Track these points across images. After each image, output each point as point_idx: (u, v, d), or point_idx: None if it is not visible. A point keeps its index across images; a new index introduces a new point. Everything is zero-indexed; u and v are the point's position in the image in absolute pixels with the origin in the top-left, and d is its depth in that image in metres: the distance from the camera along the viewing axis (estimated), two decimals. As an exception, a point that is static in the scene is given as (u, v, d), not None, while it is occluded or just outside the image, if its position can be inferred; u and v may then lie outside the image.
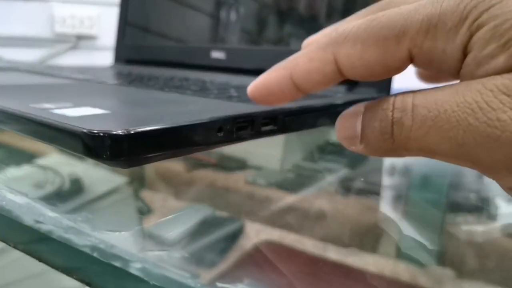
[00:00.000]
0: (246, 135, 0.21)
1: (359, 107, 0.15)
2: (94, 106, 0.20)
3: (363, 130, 0.15)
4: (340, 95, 0.34)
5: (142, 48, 0.56)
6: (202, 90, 0.31)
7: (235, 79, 0.43)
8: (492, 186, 0.27)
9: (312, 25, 0.42)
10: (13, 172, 0.44)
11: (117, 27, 0.59)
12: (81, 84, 0.33)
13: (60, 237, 0.15)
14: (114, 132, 0.15)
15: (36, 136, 0.18)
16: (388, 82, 0.38)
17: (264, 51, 0.45)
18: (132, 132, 0.15)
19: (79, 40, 1.38)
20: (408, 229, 0.23)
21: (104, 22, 1.38)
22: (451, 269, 0.21)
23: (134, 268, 0.13)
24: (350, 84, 0.39)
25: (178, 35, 0.53)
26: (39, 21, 1.33)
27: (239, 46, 0.47)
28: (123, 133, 0.15)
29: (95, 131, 0.15)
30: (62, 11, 1.34)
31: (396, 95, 0.14)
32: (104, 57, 1.39)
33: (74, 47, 1.38)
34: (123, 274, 0.14)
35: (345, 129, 0.15)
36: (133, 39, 0.58)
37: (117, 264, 0.14)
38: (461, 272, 0.18)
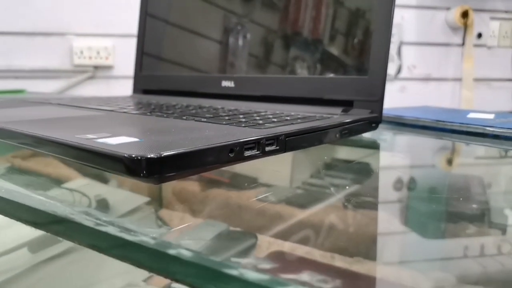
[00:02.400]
0: (253, 154, 0.25)
1: None
2: (127, 135, 0.24)
3: None
4: (336, 117, 0.38)
5: (158, 78, 0.61)
6: (215, 117, 0.35)
7: (243, 105, 0.48)
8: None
9: (314, 54, 0.47)
10: (44, 194, 0.48)
11: (135, 60, 0.65)
12: (109, 115, 0.37)
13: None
14: (149, 156, 0.19)
15: (84, 161, 0.22)
16: (380, 104, 0.42)
17: (269, 80, 0.49)
18: (162, 155, 0.19)
19: (96, 70, 1.45)
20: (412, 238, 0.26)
21: (119, 53, 1.46)
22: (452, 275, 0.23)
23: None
24: (346, 105, 0.43)
25: (191, 66, 0.58)
26: (59, 54, 1.41)
27: (246, 75, 0.52)
28: (155, 156, 0.19)
29: (134, 156, 0.19)
30: (80, 43, 1.42)
31: None
32: (120, 85, 1.46)
33: (92, 77, 1.45)
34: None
35: None
36: (150, 70, 0.63)
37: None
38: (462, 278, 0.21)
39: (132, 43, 1.39)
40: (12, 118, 0.34)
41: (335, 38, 0.46)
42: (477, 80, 1.94)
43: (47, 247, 0.50)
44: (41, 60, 1.40)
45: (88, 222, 0.19)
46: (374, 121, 0.41)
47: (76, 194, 0.36)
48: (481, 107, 1.96)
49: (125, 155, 0.19)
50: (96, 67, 1.44)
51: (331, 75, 0.45)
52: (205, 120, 0.33)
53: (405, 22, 1.81)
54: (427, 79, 1.88)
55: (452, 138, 0.45)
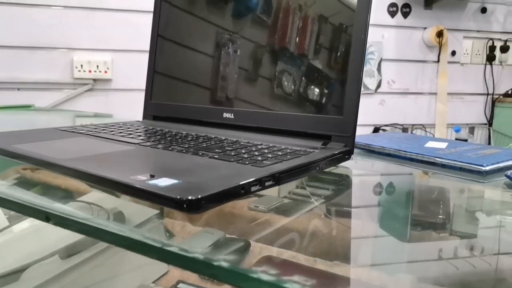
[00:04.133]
0: (257, 189, 0.35)
1: None
2: (167, 175, 0.34)
3: None
4: (317, 151, 0.48)
5: (166, 107, 0.71)
6: (223, 152, 0.45)
7: (242, 136, 0.58)
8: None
9: (300, 96, 0.57)
10: (63, 207, 0.57)
11: (145, 89, 0.74)
12: (138, 150, 0.47)
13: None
14: (190, 198, 0.29)
15: (141, 198, 0.32)
16: (352, 139, 0.53)
17: (262, 114, 0.60)
18: (199, 197, 0.29)
19: (95, 83, 1.53)
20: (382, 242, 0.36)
21: (117, 66, 1.55)
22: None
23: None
24: (325, 138, 0.54)
25: (196, 97, 0.68)
26: (60, 67, 1.49)
27: (244, 109, 0.62)
28: (195, 198, 0.29)
29: (184, 199, 0.29)
30: (80, 57, 1.50)
31: None
32: (118, 97, 1.55)
33: (91, 89, 1.54)
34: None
35: None
36: (159, 99, 0.73)
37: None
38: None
39: (130, 58, 1.48)
40: (64, 154, 0.44)
41: (316, 84, 0.56)
42: (451, 94, 2.09)
43: (75, 254, 0.59)
44: (43, 73, 1.48)
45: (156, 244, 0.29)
46: (348, 153, 0.52)
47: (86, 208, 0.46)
48: (455, 120, 2.10)
49: (175, 197, 0.29)
50: (95, 80, 1.52)
51: (313, 113, 0.56)
52: (217, 157, 0.43)
53: (385, 41, 1.93)
54: (405, 93, 2.01)
55: (410, 165, 0.57)
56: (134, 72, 1.56)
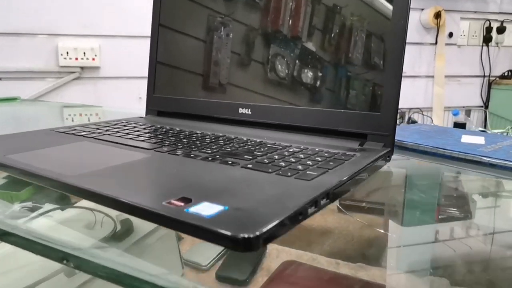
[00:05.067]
0: (313, 212, 0.30)
1: None
2: (206, 198, 0.28)
3: None
4: (359, 155, 0.43)
5: (172, 101, 0.64)
6: (256, 160, 0.39)
7: (262, 134, 0.52)
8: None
9: (331, 88, 0.51)
10: (65, 214, 0.51)
11: (148, 81, 0.67)
12: (156, 158, 0.41)
13: None
14: (251, 236, 0.23)
15: (179, 230, 0.26)
16: (392, 138, 0.47)
17: (286, 110, 0.54)
18: (258, 234, 0.23)
19: (83, 71, 1.44)
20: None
21: (106, 53, 1.45)
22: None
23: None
24: (359, 137, 0.48)
25: (207, 90, 0.62)
26: (44, 55, 1.39)
27: (263, 104, 0.56)
28: (254, 236, 0.23)
29: (241, 237, 0.23)
30: (66, 44, 1.40)
31: None
32: (107, 86, 1.46)
33: (79, 78, 1.44)
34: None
35: None
36: (163, 92, 0.66)
37: None
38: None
39: (119, 44, 1.40)
40: (71, 168, 0.37)
41: (351, 75, 0.50)
42: (447, 76, 2.05)
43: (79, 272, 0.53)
44: (26, 61, 1.38)
45: None
46: (389, 155, 0.46)
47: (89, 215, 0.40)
48: (451, 103, 2.07)
49: (231, 235, 0.23)
50: (83, 68, 1.43)
51: (346, 109, 0.50)
52: (251, 166, 0.37)
53: (383, 22, 1.87)
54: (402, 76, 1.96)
55: (452, 164, 0.51)
56: (124, 59, 1.47)
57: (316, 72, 0.52)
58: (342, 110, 0.50)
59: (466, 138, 0.57)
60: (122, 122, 0.61)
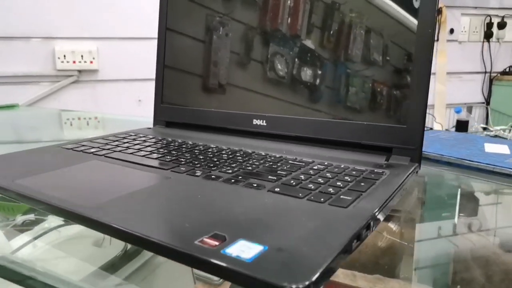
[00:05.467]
0: (356, 246, 0.27)
1: None
2: (239, 232, 0.26)
3: None
4: (388, 172, 0.40)
5: (182, 111, 0.62)
6: (281, 182, 0.37)
7: (280, 148, 0.49)
8: None
9: (353, 100, 0.49)
10: (73, 229, 0.48)
11: (155, 90, 0.64)
12: (175, 181, 0.38)
13: None
14: (301, 287, 0.21)
15: (215, 274, 0.24)
16: (419, 152, 0.45)
17: (304, 121, 0.51)
18: (307, 284, 0.21)
19: (81, 74, 1.41)
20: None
21: (104, 56, 1.42)
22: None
23: None
24: (383, 150, 0.46)
25: (218, 101, 0.59)
26: (41, 59, 1.36)
27: (279, 115, 0.53)
28: (304, 286, 0.21)
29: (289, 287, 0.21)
30: (63, 47, 1.37)
31: None
32: (106, 89, 1.43)
33: (77, 81, 1.41)
34: None
35: None
36: (172, 102, 0.63)
37: None
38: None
39: (118, 46, 1.36)
40: (87, 196, 0.35)
41: (376, 86, 0.48)
42: (449, 73, 2.03)
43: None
44: (22, 65, 1.35)
45: None
46: (417, 170, 0.44)
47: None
48: (453, 100, 2.05)
49: (279, 285, 0.21)
50: (81, 71, 1.40)
51: (370, 121, 0.47)
52: (278, 190, 0.35)
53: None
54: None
55: (479, 176, 0.49)
56: (122, 61, 1.44)
57: (338, 82, 0.50)
58: (365, 122, 0.48)
59: (489, 147, 0.55)
60: (131, 135, 0.58)
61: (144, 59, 1.43)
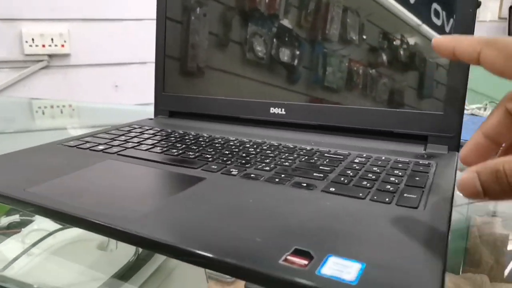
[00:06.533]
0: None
1: (471, 173, 0.22)
2: (327, 250, 0.23)
3: (485, 190, 0.22)
4: (433, 163, 0.38)
5: (188, 100, 0.57)
6: (328, 178, 0.34)
7: (308, 139, 0.46)
8: None
9: (384, 86, 0.46)
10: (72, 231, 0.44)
11: (155, 78, 0.59)
12: (212, 182, 0.34)
13: None
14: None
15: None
16: (458, 140, 0.43)
17: (330, 109, 0.48)
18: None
19: (51, 59, 1.31)
20: None
21: (76, 39, 1.32)
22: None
23: None
24: (419, 139, 0.44)
25: (229, 87, 0.55)
26: (6, 42, 1.25)
27: (301, 103, 0.50)
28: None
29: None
30: (31, 30, 1.26)
31: (502, 164, 0.21)
32: (79, 75, 1.34)
33: (47, 67, 1.31)
34: None
35: (468, 190, 0.22)
36: (176, 90, 0.58)
37: None
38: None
39: (91, 28, 1.28)
40: (120, 206, 0.30)
41: (408, 70, 0.45)
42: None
43: None
44: (-14, 50, 1.23)
45: None
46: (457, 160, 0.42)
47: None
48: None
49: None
50: (51, 56, 1.30)
51: (403, 108, 0.45)
52: (334, 190, 0.32)
53: None
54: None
55: None
56: (96, 44, 1.35)
57: (368, 67, 0.47)
58: (398, 110, 0.45)
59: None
60: (135, 128, 0.53)
61: (120, 42, 1.35)
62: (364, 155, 0.41)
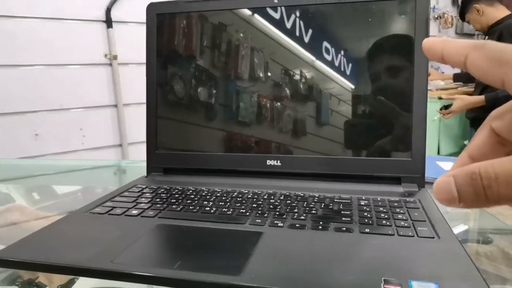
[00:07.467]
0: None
1: (447, 177, 0.21)
2: (407, 277, 0.31)
3: (460, 194, 0.20)
4: (412, 200, 0.49)
5: (182, 157, 0.62)
6: (360, 222, 0.43)
7: (310, 186, 0.55)
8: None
9: (363, 140, 0.57)
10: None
11: (147, 137, 0.63)
12: (279, 237, 0.41)
13: None
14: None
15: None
16: (423, 178, 0.55)
17: (320, 159, 0.57)
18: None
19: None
20: None
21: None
22: None
23: None
24: (393, 180, 0.55)
25: (224, 143, 0.61)
26: None
27: (294, 155, 0.59)
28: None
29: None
30: None
31: (479, 166, 0.20)
32: None
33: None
34: None
35: (443, 194, 0.21)
36: (169, 148, 0.63)
37: None
38: None
39: (5, 74, 1.19)
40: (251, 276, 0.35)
41: (383, 125, 0.57)
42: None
43: None
44: None
45: None
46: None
47: None
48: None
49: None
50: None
51: (383, 156, 0.56)
52: (368, 231, 0.40)
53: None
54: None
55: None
56: (12, 91, 1.27)
57: (350, 124, 0.58)
58: (377, 158, 0.56)
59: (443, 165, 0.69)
60: (142, 188, 0.56)
61: (40, 88, 1.31)
62: (364, 198, 0.51)
